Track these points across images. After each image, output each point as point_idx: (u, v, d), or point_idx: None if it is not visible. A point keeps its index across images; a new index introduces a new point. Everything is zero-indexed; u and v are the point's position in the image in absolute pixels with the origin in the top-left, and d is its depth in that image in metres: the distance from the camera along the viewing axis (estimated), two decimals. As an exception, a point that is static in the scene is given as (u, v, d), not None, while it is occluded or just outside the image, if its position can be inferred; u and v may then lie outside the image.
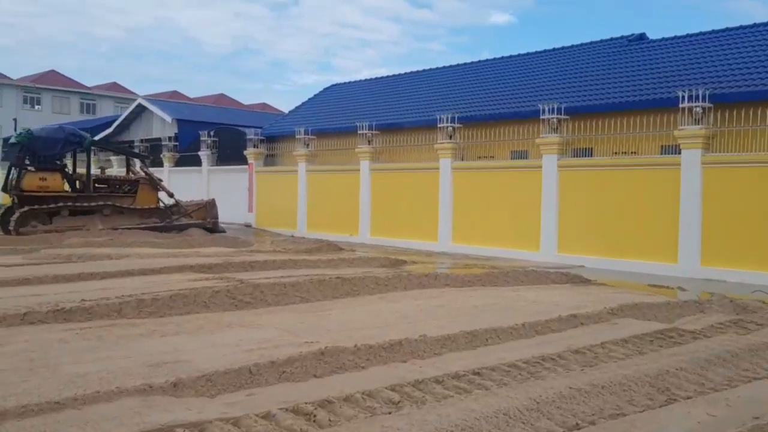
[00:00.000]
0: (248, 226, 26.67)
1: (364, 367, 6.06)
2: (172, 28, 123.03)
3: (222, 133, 29.60)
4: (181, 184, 30.52)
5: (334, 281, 10.26)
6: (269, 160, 27.00)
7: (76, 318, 7.81)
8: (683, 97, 14.75)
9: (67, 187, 21.26)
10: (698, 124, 14.59)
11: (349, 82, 29.95)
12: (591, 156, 17.11)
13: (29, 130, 20.61)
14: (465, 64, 25.52)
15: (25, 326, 7.38)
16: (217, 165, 29.30)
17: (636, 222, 15.55)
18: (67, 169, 21.33)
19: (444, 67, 26.24)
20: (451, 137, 19.58)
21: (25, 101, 66.76)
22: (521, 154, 18.87)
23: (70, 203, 20.37)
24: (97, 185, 21.36)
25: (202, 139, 29.25)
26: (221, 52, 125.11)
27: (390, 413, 4.82)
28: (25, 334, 6.99)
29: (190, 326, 7.64)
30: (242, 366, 5.66)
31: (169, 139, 32.03)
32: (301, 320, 8.15)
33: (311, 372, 5.80)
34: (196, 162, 29.82)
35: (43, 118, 62.32)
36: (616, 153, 16.64)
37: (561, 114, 17.10)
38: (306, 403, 4.94)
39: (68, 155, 21.99)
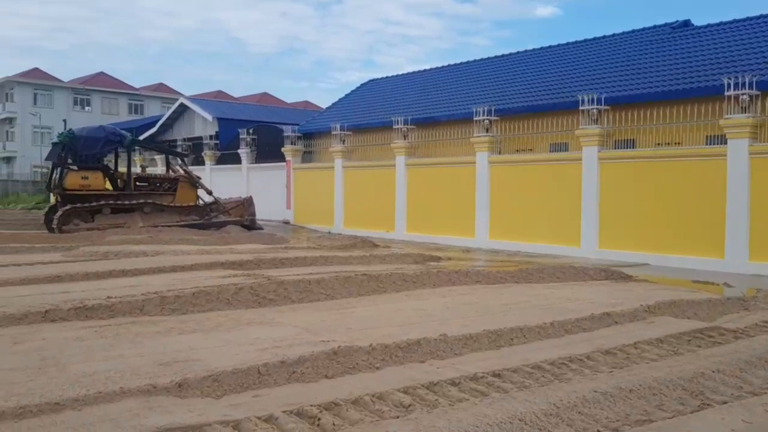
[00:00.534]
0: (286, 223, 26.72)
1: (378, 368, 5.83)
2: (218, 29, 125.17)
3: (261, 130, 29.74)
4: (222, 182, 30.84)
5: (360, 278, 10.05)
6: (306, 156, 26.99)
7: (98, 315, 7.79)
8: (729, 84, 14.07)
9: (109, 185, 21.63)
10: (745, 113, 13.88)
11: (386, 77, 29.71)
12: (633, 147, 16.51)
13: (71, 130, 21.00)
14: (503, 55, 25.02)
15: (47, 324, 7.37)
16: (256, 162, 29.45)
17: (680, 215, 14.93)
18: (108, 168, 21.68)
19: (481, 59, 25.80)
20: (487, 130, 19.17)
21: (75, 103, 68.58)
22: (561, 147, 18.35)
23: (111, 201, 20.71)
24: (137, 183, 21.67)
25: (241, 137, 29.45)
26: (266, 51, 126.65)
27: (398, 417, 4.58)
28: (44, 332, 6.97)
29: (209, 324, 7.53)
30: (251, 366, 5.49)
31: (210, 137, 32.37)
32: (323, 318, 7.96)
33: (322, 372, 5.60)
34: (237, 160, 30.04)
35: (93, 118, 63.89)
36: (659, 144, 16.00)
37: (602, 104, 16.54)
38: (312, 405, 4.74)
39: (110, 154, 22.33)
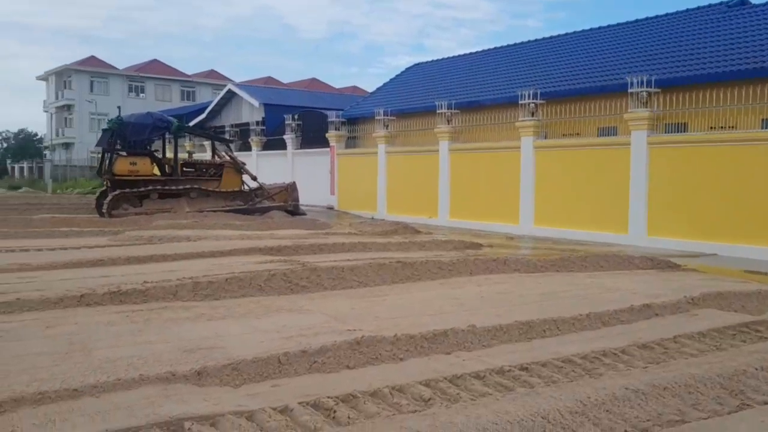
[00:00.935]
0: (330, 208, 26.78)
1: (402, 359, 5.70)
2: (270, 15, 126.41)
3: (306, 116, 29.82)
4: (268, 168, 31.12)
5: (395, 265, 9.91)
6: (351, 142, 26.92)
7: (132, 300, 7.87)
8: (789, 64, 13.33)
9: (156, 171, 22.01)
10: (806, 94, 13.16)
11: (432, 61, 29.35)
12: (685, 132, 15.86)
13: (120, 116, 21.40)
14: (550, 37, 24.36)
15: (81, 308, 7.48)
16: (301, 148, 29.56)
17: (735, 202, 14.29)
18: (156, 154, 22.04)
19: (528, 42, 25.20)
20: (533, 114, 18.72)
21: (130, 90, 70.23)
22: (609, 131, 17.80)
23: (158, 186, 21.08)
24: (184, 169, 21.98)
25: (286, 123, 29.57)
26: (317, 37, 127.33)
27: (415, 412, 4.44)
28: (77, 316, 7.07)
29: (239, 310, 7.53)
30: (272, 355, 5.43)
31: (257, 123, 32.64)
32: (353, 306, 7.87)
33: (344, 363, 5.50)
34: (282, 146, 30.22)
35: (147, 105, 65.34)
36: (712, 128, 15.33)
37: (651, 87, 15.92)
38: (329, 397, 4.64)
39: (157, 140, 22.69)
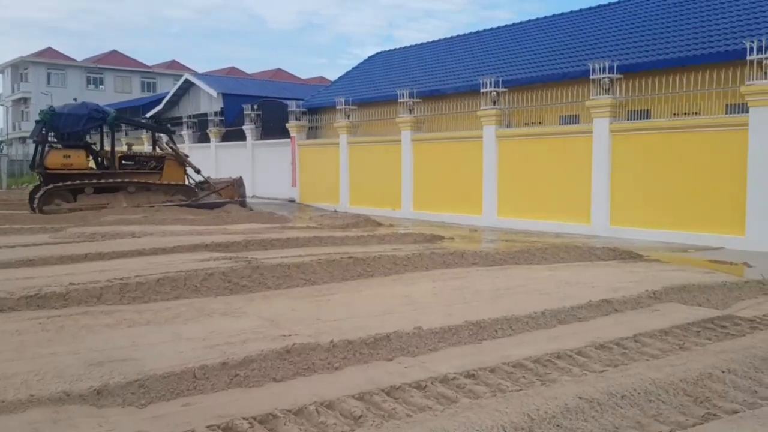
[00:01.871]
0: (292, 201, 26.08)
1: (337, 368, 5.14)
2: (238, 6, 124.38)
3: (266, 106, 29.00)
4: (228, 160, 30.28)
5: (345, 261, 9.33)
6: (312, 132, 26.20)
7: (50, 305, 7.17)
8: (752, 48, 13.03)
9: (93, 164, 20.87)
10: (769, 78, 12.87)
11: (395, 50, 28.73)
12: (648, 118, 15.53)
13: (52, 107, 20.20)
14: (513, 24, 23.93)
15: (-8, 315, 6.77)
16: (261, 139, 28.75)
17: (699, 190, 14.00)
18: (94, 146, 20.90)
19: (490, 29, 24.73)
20: (495, 103, 18.25)
21: (88, 82, 68.35)
22: (572, 119, 17.41)
23: (94, 181, 19.83)
24: (123, 162, 20.85)
25: (245, 113, 28.72)
26: (285, 28, 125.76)
27: (340, 434, 3.89)
28: (-16, 324, 6.37)
29: (167, 314, 6.88)
30: (187, 368, 4.82)
31: (216, 114, 31.70)
32: (294, 307, 7.28)
33: (270, 375, 4.91)
34: (242, 137, 29.36)
35: (106, 97, 63.64)
36: (675, 114, 15.02)
37: (614, 73, 15.55)
38: (244, 418, 4.06)
39: (94, 132, 21.51)
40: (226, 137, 31.12)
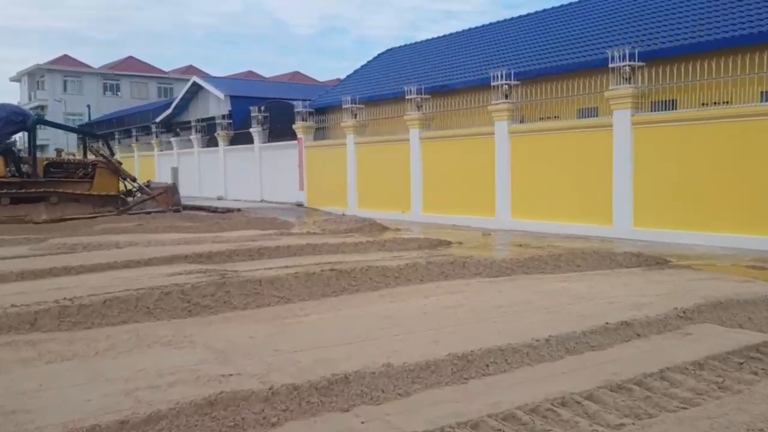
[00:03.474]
0: (300, 205, 25.04)
1: (274, 424, 4.01)
2: (261, 11, 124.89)
3: (273, 107, 28.00)
4: (236, 164, 29.40)
5: (327, 275, 8.20)
6: (320, 133, 25.11)
7: (-28, 334, 6.16)
8: (790, 27, 11.67)
9: (15, 171, 19.28)
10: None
11: (404, 46, 27.55)
12: (674, 109, 14.19)
13: None
14: (527, 15, 22.60)
15: None
16: (269, 142, 27.77)
17: (732, 186, 12.66)
18: (12, 152, 19.49)
19: (503, 21, 23.47)
20: (507, 96, 17.02)
21: (105, 88, 68.23)
22: (590, 112, 16.11)
23: (13, 190, 18.46)
24: (51, 170, 19.51)
25: (252, 114, 27.76)
26: (307, 32, 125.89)
27: None
28: None
29: (102, 345, 5.82)
30: (75, 429, 3.73)
31: (223, 117, 30.82)
32: (254, 333, 6.17)
33: (183, 437, 3.81)
34: (250, 140, 28.41)
35: (122, 103, 63.53)
36: (704, 104, 13.66)
37: (635, 60, 14.24)
38: None
39: (12, 136, 20.04)
40: (234, 140, 30.20)
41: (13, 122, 19.19)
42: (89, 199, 19.25)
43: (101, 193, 19.45)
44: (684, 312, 6.38)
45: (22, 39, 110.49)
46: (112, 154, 21.31)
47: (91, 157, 21.06)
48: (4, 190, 18.29)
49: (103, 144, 21.39)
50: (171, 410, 3.93)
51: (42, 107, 65.83)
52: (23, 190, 18.53)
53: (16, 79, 70.53)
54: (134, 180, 20.62)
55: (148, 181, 21.35)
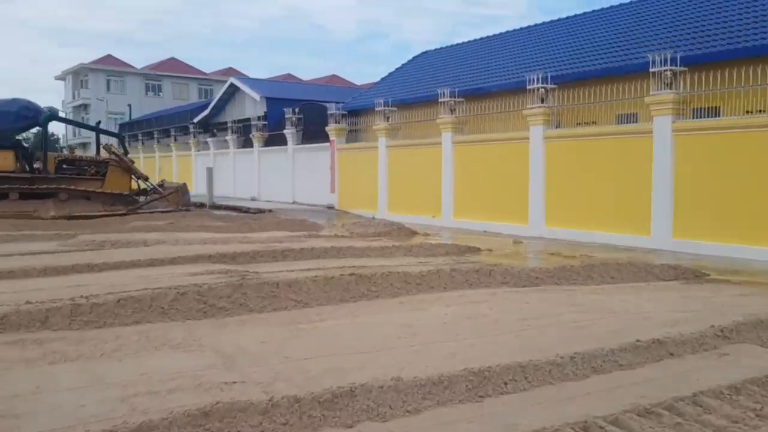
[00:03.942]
0: (331, 208, 24.89)
1: (271, 440, 3.78)
2: (300, 16, 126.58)
3: (307, 109, 27.94)
4: (269, 165, 29.42)
5: (346, 279, 7.96)
6: (352, 136, 24.94)
7: (-18, 330, 6.08)
8: (844, 30, 11.05)
9: (24, 167, 19.45)
10: None
11: (439, 49, 27.25)
12: (717, 116, 13.62)
13: None
14: (566, 18, 22.10)
15: None
16: (302, 143, 27.72)
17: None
18: (24, 147, 19.68)
19: (540, 24, 23.00)
20: (543, 100, 16.58)
21: (147, 88, 69.35)
22: (630, 118, 15.58)
23: (24, 185, 18.52)
24: (64, 166, 19.57)
25: (286, 116, 27.74)
26: (346, 37, 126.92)
27: None
28: None
29: (109, 346, 5.68)
30: (61, 438, 3.56)
31: (259, 118, 30.89)
32: (266, 338, 5.97)
33: (173, 450, 3.60)
34: (285, 141, 28.40)
35: (164, 103, 64.46)
36: (748, 112, 13.07)
37: (677, 65, 13.70)
38: None
39: (24, 131, 20.47)
40: (269, 142, 30.24)
41: (25, 117, 19.29)
42: (100, 197, 19.33)
43: (113, 192, 19.54)
44: (722, 330, 5.97)
45: (71, 39, 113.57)
46: (126, 152, 21.41)
47: (104, 154, 21.13)
48: (15, 185, 18.45)
49: (119, 143, 21.49)
50: (163, 420, 3.73)
51: (85, 106, 67.29)
52: (34, 186, 18.66)
53: (61, 77, 72.17)
54: (146, 179, 20.64)
55: (162, 181, 21.39)
